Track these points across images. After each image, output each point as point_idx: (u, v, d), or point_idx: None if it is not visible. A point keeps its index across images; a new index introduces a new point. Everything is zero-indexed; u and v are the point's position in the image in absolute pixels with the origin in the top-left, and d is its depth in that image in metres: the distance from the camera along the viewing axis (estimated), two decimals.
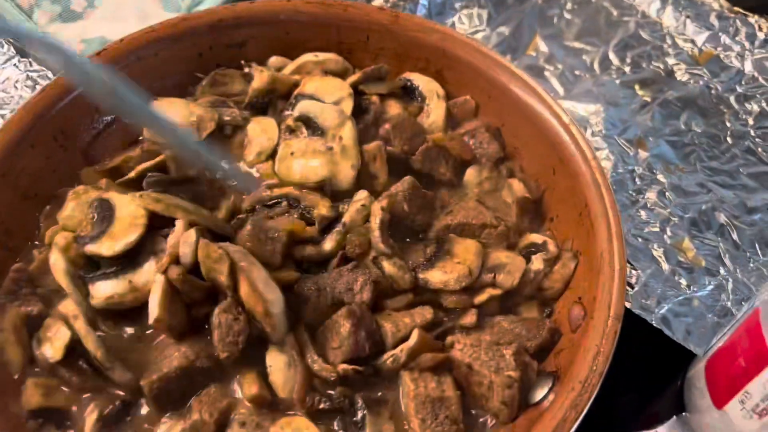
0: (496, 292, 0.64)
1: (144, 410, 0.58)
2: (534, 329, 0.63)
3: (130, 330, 0.61)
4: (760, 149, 0.89)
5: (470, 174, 0.72)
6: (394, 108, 0.75)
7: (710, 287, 0.77)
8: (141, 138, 0.73)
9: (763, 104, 0.94)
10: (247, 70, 0.78)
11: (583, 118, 0.92)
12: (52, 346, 0.59)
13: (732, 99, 0.94)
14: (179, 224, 0.61)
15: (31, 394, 0.58)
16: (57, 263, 0.62)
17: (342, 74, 0.78)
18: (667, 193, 0.85)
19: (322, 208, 0.65)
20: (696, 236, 0.82)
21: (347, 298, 0.60)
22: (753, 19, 1.01)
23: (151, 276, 0.60)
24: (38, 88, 0.85)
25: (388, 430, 0.57)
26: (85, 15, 0.93)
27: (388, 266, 0.62)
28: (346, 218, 0.64)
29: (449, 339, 0.61)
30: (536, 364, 0.60)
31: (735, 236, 0.82)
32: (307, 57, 0.78)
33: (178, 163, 0.67)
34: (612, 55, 0.99)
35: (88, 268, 0.62)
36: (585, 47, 1.00)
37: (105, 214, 0.63)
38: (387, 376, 0.59)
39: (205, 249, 0.58)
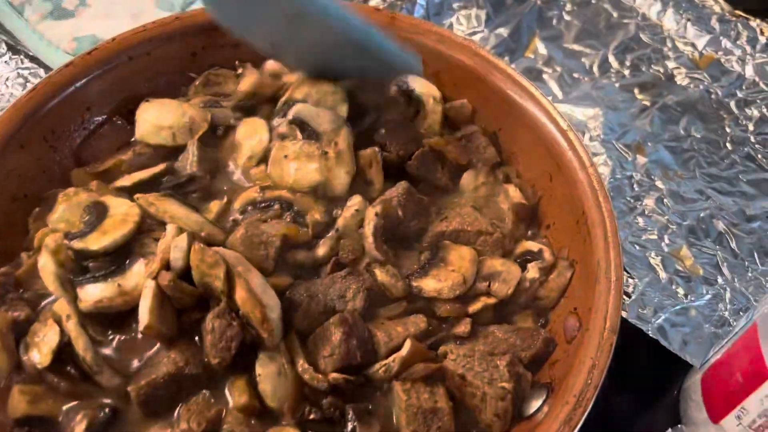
0: (491, 300, 0.63)
1: (132, 418, 0.57)
2: (528, 339, 0.62)
3: (118, 335, 0.60)
4: (760, 156, 0.89)
5: (466, 179, 0.71)
6: (389, 112, 0.74)
7: (708, 297, 0.76)
8: (133, 140, 0.72)
9: (764, 110, 0.93)
10: (240, 71, 0.77)
11: (581, 123, 0.91)
12: (40, 352, 0.58)
13: (732, 104, 0.93)
14: (170, 228, 0.60)
15: (18, 401, 0.57)
16: (46, 266, 0.61)
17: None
18: (665, 200, 0.84)
19: (316, 213, 0.64)
20: (694, 244, 0.81)
21: (339, 306, 0.59)
22: (755, 22, 1.00)
23: (140, 279, 0.59)
24: (29, 85, 0.84)
25: None
26: (77, 13, 0.92)
27: (380, 274, 0.61)
28: (339, 223, 0.63)
29: (442, 349, 0.60)
30: (530, 375, 0.60)
31: (733, 245, 0.81)
32: None
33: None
34: (611, 58, 0.98)
35: (77, 272, 0.61)
36: (584, 50, 0.99)
37: (99, 215, 0.62)
38: (378, 387, 0.58)
39: (200, 253, 0.56)
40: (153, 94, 0.73)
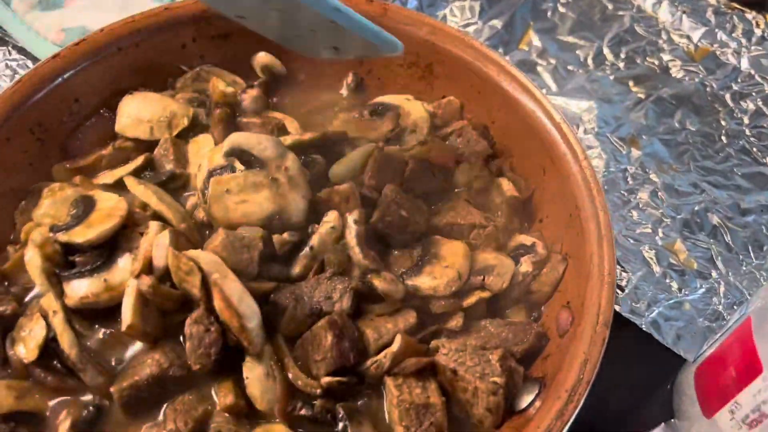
0: (485, 294, 0.63)
1: (118, 416, 0.56)
2: (521, 333, 0.61)
3: (105, 331, 0.60)
4: (755, 149, 0.88)
5: (460, 173, 0.71)
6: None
7: (702, 290, 0.76)
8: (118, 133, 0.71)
9: (759, 103, 0.92)
10: (235, 78, 0.76)
11: (575, 115, 0.91)
12: (26, 346, 0.57)
13: (727, 97, 0.93)
14: (153, 225, 0.59)
15: (4, 396, 0.56)
16: (32, 260, 0.60)
17: None
18: (659, 193, 0.84)
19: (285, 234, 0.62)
20: (688, 238, 0.80)
21: (326, 307, 0.58)
22: (750, 15, 1.00)
23: (126, 275, 0.58)
24: (17, 77, 0.83)
25: None
26: (65, 3, 0.91)
27: (379, 283, 0.60)
28: (314, 241, 0.61)
29: (434, 343, 0.59)
30: (522, 369, 0.59)
31: (728, 238, 0.80)
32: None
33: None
34: (606, 51, 0.97)
35: (64, 266, 0.61)
36: (579, 42, 0.98)
37: (87, 208, 0.62)
38: (370, 384, 0.58)
39: (175, 260, 0.55)
40: (142, 86, 0.72)
